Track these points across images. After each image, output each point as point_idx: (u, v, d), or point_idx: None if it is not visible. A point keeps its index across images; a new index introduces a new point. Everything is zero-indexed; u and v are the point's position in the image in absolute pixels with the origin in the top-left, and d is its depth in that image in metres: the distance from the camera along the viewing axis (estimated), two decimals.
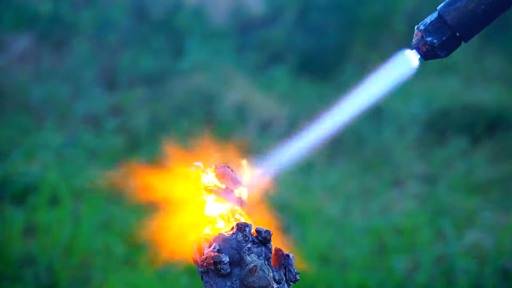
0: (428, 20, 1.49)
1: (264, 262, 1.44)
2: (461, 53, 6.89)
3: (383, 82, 1.53)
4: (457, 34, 1.46)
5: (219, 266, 1.42)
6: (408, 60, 1.52)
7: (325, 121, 1.54)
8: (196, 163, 1.58)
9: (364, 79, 1.54)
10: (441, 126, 5.80)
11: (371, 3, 7.07)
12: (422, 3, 6.99)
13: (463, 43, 1.49)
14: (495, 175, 5.15)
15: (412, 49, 1.52)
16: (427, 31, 1.48)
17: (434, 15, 1.48)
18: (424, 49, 1.49)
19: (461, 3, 1.45)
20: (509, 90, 6.24)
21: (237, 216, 1.52)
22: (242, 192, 1.57)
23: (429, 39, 1.48)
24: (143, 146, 5.29)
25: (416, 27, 1.50)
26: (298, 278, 1.49)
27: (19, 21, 6.58)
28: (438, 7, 1.48)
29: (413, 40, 1.51)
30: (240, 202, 1.56)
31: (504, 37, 7.13)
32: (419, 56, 1.52)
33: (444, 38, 1.47)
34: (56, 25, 6.66)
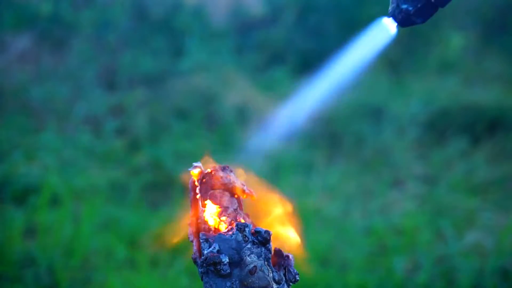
0: None
1: (264, 263, 1.44)
2: (461, 53, 6.89)
3: (363, 49, 1.55)
4: (432, 0, 1.47)
5: (219, 267, 1.43)
6: (386, 28, 1.54)
7: (313, 88, 1.58)
8: (195, 164, 1.59)
9: (345, 46, 1.56)
10: (441, 126, 5.80)
11: (371, 3, 7.07)
12: None
13: (440, 9, 1.51)
14: (495, 175, 5.15)
15: (389, 17, 1.53)
16: None
17: None
18: (400, 17, 1.51)
19: None
20: (509, 90, 6.24)
21: (236, 216, 1.52)
22: (241, 192, 1.57)
23: (404, 6, 1.49)
24: (143, 147, 5.29)
25: None
26: (298, 278, 1.49)
27: (19, 21, 6.58)
28: None
29: (389, 8, 1.53)
30: (239, 202, 1.56)
31: (504, 38, 7.13)
32: (396, 23, 1.52)
33: (419, 5, 1.48)
34: (56, 25, 6.66)
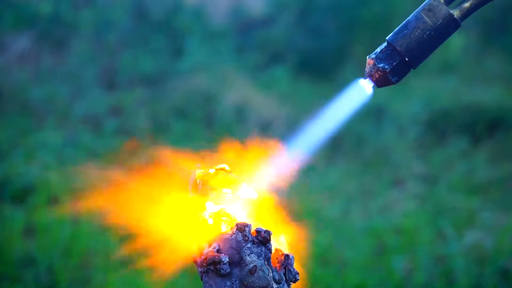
0: (378, 49, 1.59)
1: (264, 262, 1.44)
2: (461, 53, 6.89)
3: (340, 110, 1.62)
4: (406, 59, 1.56)
5: (218, 266, 1.42)
6: (362, 89, 1.60)
7: (292, 146, 1.64)
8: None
9: (322, 108, 1.62)
10: (441, 126, 5.80)
11: (371, 4, 7.07)
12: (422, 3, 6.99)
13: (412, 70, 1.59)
14: (495, 175, 5.15)
15: (365, 78, 1.59)
16: (378, 58, 1.57)
17: (384, 44, 1.58)
18: (377, 75, 1.58)
19: (408, 31, 1.56)
20: (509, 90, 6.24)
21: (236, 216, 1.52)
22: (240, 192, 1.57)
23: (381, 65, 1.57)
24: (143, 147, 5.28)
25: (367, 56, 1.60)
26: (298, 278, 1.49)
27: (19, 21, 6.58)
28: (387, 37, 1.58)
29: (366, 69, 1.60)
30: (239, 202, 1.56)
31: (504, 38, 7.13)
32: (372, 84, 1.58)
33: (394, 64, 1.57)
34: (56, 25, 6.66)
